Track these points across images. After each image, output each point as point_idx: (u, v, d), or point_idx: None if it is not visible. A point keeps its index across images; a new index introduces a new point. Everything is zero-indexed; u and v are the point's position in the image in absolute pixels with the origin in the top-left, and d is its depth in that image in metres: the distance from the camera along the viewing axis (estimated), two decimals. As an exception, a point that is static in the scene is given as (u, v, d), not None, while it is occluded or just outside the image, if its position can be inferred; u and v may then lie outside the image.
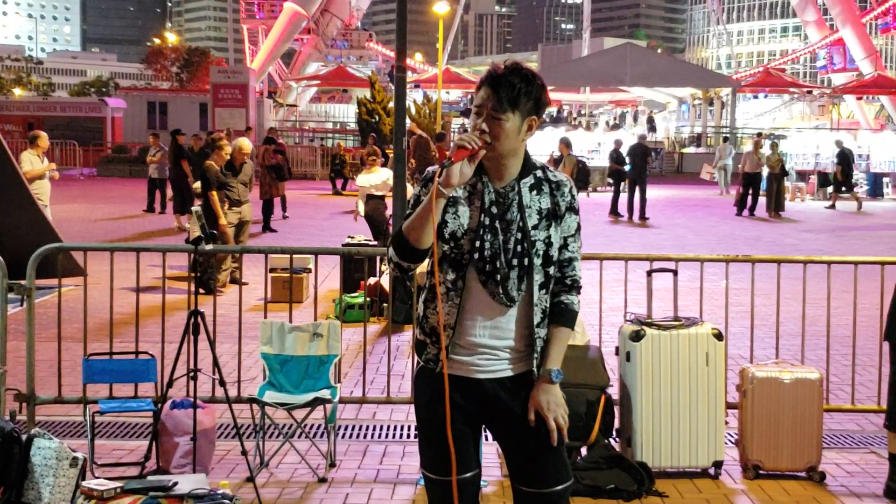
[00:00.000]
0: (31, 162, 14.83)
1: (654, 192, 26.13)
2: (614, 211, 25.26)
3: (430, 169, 3.46)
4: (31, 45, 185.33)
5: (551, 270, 3.53)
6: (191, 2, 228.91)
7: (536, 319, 3.51)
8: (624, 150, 26.09)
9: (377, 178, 14.93)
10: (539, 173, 3.54)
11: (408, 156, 20.21)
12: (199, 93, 56.67)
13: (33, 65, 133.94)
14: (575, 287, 3.61)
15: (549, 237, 3.50)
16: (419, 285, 3.68)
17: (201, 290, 12.88)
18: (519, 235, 3.45)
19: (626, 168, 25.61)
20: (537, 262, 3.49)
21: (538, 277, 3.50)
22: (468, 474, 3.58)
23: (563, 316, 3.58)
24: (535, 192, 3.51)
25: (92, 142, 43.73)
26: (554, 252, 3.52)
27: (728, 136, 43.92)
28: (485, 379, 3.51)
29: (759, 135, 30.49)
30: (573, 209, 3.58)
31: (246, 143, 14.13)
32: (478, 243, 3.42)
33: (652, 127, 56.13)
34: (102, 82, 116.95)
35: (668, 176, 42.98)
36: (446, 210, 3.43)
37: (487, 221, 3.43)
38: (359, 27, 72.95)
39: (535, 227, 3.48)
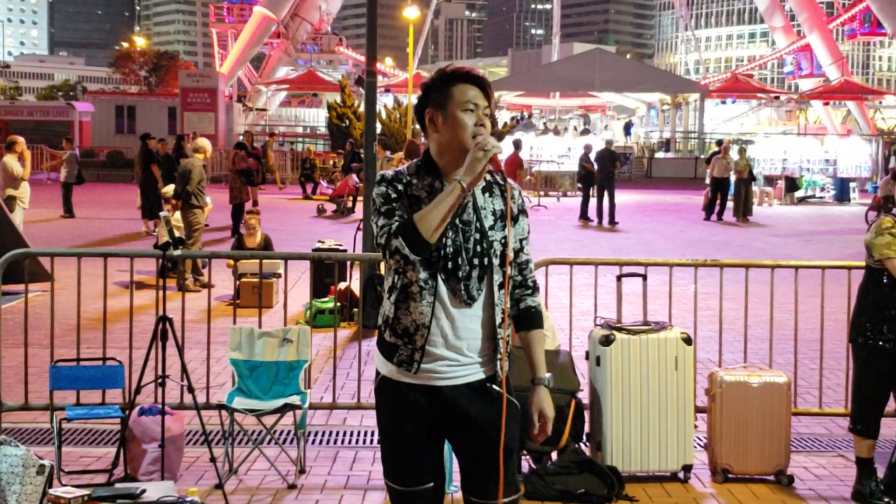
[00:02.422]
0: (15, 166, 14.93)
1: (623, 197, 26.25)
2: (584, 216, 25.33)
3: (382, 172, 3.56)
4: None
5: (509, 270, 3.57)
6: (159, 5, 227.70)
7: (498, 320, 3.54)
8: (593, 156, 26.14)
9: None
10: (488, 176, 3.59)
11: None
12: (168, 97, 56.40)
13: (0, 68, 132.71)
14: (536, 289, 3.72)
15: (504, 238, 3.56)
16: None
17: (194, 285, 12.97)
18: (478, 236, 3.50)
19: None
20: (495, 262, 3.53)
21: (497, 277, 3.54)
22: (431, 484, 3.59)
23: (537, 320, 3.67)
24: (487, 195, 3.58)
25: (59, 146, 43.35)
26: (510, 252, 3.57)
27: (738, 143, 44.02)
28: (444, 386, 3.50)
29: (720, 143, 31.29)
30: (524, 212, 3.68)
31: (208, 144, 14.24)
32: (441, 240, 3.44)
33: (628, 132, 56.44)
34: (70, 86, 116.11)
35: (638, 181, 43.16)
36: (412, 209, 3.45)
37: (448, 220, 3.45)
38: (329, 31, 72.84)
39: (491, 228, 3.54)
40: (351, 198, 25.36)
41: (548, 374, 3.64)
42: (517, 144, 23.39)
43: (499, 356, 3.55)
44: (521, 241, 3.64)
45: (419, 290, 3.45)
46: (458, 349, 3.49)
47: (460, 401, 3.50)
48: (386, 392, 3.57)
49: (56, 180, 37.52)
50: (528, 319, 3.67)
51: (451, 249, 3.45)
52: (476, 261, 3.48)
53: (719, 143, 34.35)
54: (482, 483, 3.55)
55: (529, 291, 3.66)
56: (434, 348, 3.47)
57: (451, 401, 3.50)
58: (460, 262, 3.46)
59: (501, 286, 3.54)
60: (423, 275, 3.45)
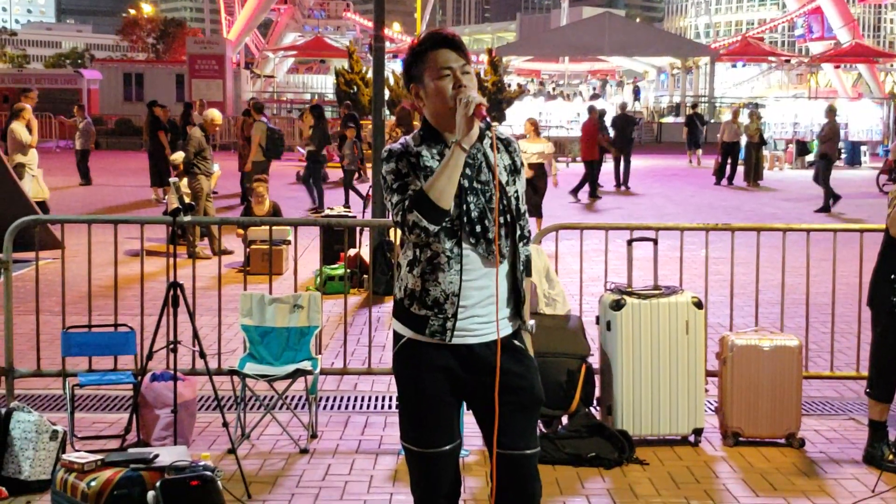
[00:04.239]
0: (23, 133, 14.95)
1: (633, 162, 26.17)
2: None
3: (389, 147, 3.59)
4: (4, 17, 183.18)
5: (522, 223, 3.68)
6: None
7: (519, 270, 3.65)
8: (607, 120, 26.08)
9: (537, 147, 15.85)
10: (488, 132, 3.64)
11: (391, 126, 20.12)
12: (176, 64, 56.25)
13: (7, 36, 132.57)
14: (530, 238, 3.79)
15: (516, 191, 3.65)
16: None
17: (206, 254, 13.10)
18: (498, 193, 3.54)
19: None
20: (515, 216, 3.62)
21: (517, 231, 3.63)
22: (451, 445, 3.62)
23: (528, 268, 3.75)
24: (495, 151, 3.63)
25: (68, 113, 43.32)
26: (521, 206, 3.68)
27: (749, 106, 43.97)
28: (476, 344, 3.54)
29: (695, 105, 32.34)
30: (522, 164, 3.74)
31: (217, 115, 14.20)
32: (463, 206, 3.47)
33: (637, 97, 56.22)
34: (78, 54, 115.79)
35: (648, 146, 42.98)
36: (426, 181, 3.47)
37: (466, 184, 3.49)
38: (336, -3, 72.50)
39: (507, 184, 3.61)
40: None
41: (531, 321, 3.73)
42: (592, 110, 23.52)
43: (522, 306, 3.65)
44: (522, 193, 3.71)
45: (447, 259, 3.49)
46: (489, 308, 3.54)
47: (491, 357, 3.54)
48: (409, 354, 3.59)
49: (66, 148, 37.65)
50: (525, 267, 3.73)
51: (476, 213, 3.49)
52: (501, 219, 3.54)
53: (694, 105, 34.89)
54: (514, 435, 3.59)
55: (525, 241, 3.72)
56: (466, 311, 3.51)
57: (482, 358, 3.54)
58: (488, 224, 3.50)
59: (520, 238, 3.64)
60: (447, 244, 3.48)
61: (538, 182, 15.44)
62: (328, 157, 24.88)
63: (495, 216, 3.52)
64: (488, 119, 3.48)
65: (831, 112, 21.67)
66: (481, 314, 3.53)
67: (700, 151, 33.17)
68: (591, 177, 22.07)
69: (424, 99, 3.60)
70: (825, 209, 20.12)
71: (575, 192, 21.78)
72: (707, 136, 38.73)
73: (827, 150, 21.11)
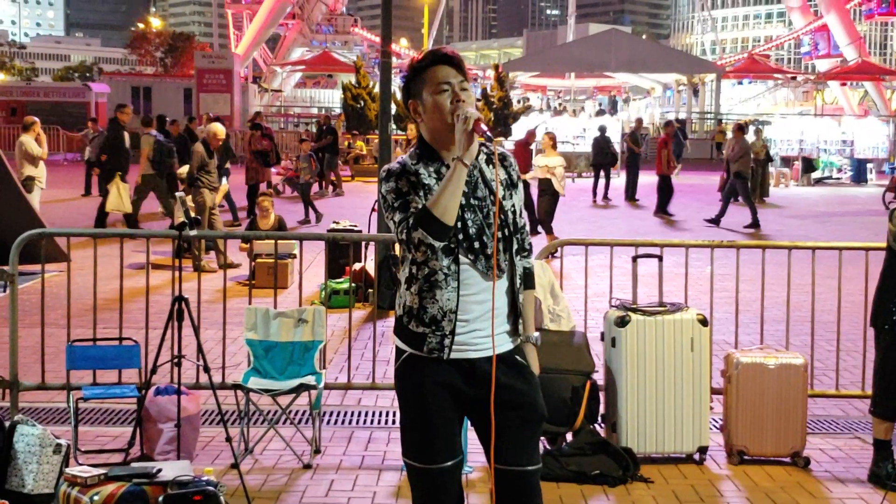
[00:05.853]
0: (33, 146, 15.05)
1: (639, 178, 26.22)
2: (605, 196, 25.61)
3: (388, 166, 3.61)
4: (14, 30, 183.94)
5: (518, 237, 3.70)
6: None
7: (517, 284, 3.66)
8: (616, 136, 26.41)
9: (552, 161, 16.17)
10: (483, 148, 3.67)
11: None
12: (184, 78, 56.48)
13: (17, 49, 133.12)
14: (531, 251, 3.81)
15: (513, 205, 3.68)
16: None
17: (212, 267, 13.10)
18: (495, 209, 3.56)
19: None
20: (512, 230, 3.64)
21: (514, 245, 3.65)
22: (453, 461, 3.61)
23: (530, 280, 3.76)
24: (490, 166, 3.66)
25: (76, 127, 43.41)
26: (519, 220, 3.70)
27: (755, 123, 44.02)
28: (477, 358, 3.55)
29: (680, 121, 32.86)
30: (519, 177, 3.75)
31: (220, 129, 14.24)
32: (460, 224, 3.49)
33: (614, 110, 56.52)
34: (86, 67, 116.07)
35: (654, 161, 42.93)
36: (427, 199, 3.49)
37: (464, 201, 3.51)
38: (344, 12, 72.74)
39: (503, 199, 3.63)
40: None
41: (535, 333, 3.73)
42: (670, 125, 23.85)
43: (520, 319, 3.66)
44: (519, 207, 3.74)
45: (444, 277, 3.50)
46: (488, 323, 3.54)
47: (493, 372, 3.53)
48: (410, 370, 3.59)
49: (73, 161, 37.70)
50: (525, 280, 3.74)
51: (474, 229, 3.51)
52: (499, 234, 3.56)
53: (680, 120, 35.30)
54: (516, 451, 3.60)
55: (526, 254, 3.75)
56: (468, 325, 3.53)
57: (483, 372, 3.54)
58: (486, 240, 3.52)
59: (517, 252, 3.66)
60: (445, 262, 3.50)
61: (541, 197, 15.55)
62: (287, 171, 24.93)
63: (494, 232, 3.53)
64: (489, 133, 3.49)
65: (739, 131, 21.65)
66: (482, 328, 3.54)
67: (679, 164, 33.45)
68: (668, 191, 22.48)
69: (422, 115, 3.62)
70: (754, 225, 20.03)
71: (663, 208, 22.26)
72: (713, 153, 38.87)
73: (739, 168, 20.95)
